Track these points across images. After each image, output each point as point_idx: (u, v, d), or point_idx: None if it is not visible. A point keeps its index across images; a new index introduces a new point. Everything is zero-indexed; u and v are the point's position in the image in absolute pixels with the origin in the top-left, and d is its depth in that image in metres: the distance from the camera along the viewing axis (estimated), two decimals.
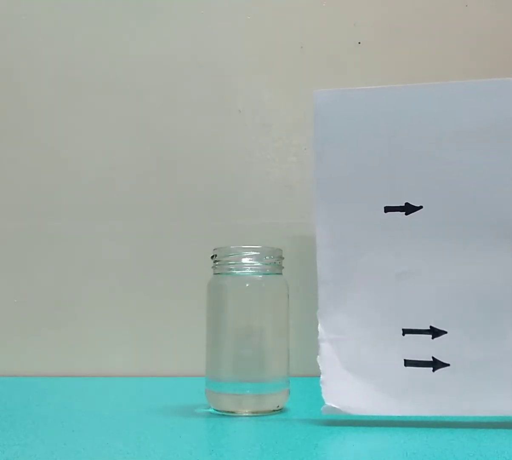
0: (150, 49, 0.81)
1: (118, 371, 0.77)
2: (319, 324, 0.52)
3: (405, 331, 0.51)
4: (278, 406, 0.56)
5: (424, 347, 0.50)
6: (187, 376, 0.74)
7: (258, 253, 0.57)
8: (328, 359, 0.51)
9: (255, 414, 0.54)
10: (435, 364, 0.50)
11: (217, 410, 0.56)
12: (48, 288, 0.79)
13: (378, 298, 0.51)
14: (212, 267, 0.58)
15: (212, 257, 0.58)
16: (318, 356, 0.52)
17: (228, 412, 0.55)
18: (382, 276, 0.52)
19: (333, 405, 0.50)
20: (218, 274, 0.58)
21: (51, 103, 0.81)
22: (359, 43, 0.79)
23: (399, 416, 0.51)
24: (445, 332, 0.50)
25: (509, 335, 0.49)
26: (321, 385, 0.50)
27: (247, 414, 0.54)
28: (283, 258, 0.59)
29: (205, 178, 0.80)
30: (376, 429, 0.50)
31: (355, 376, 0.50)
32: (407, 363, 0.50)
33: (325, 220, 0.53)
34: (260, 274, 0.57)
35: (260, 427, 0.51)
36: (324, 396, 0.50)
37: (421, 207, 0.52)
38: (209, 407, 0.56)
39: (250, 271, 0.56)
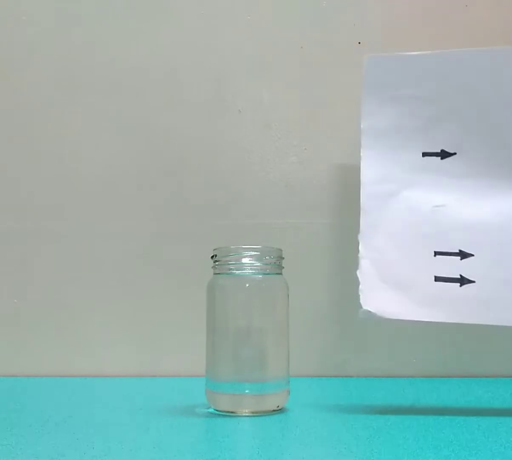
0: (150, 49, 0.81)
1: (118, 371, 0.77)
2: (360, 245, 0.59)
3: (437, 253, 0.57)
4: (278, 406, 0.56)
5: (453, 267, 0.56)
6: (187, 376, 0.74)
7: (258, 253, 0.57)
8: (367, 273, 0.57)
9: (255, 414, 0.55)
10: (462, 281, 0.56)
11: (217, 410, 0.56)
12: (48, 288, 0.79)
13: (413, 225, 0.59)
14: (212, 267, 0.58)
15: (212, 257, 0.58)
16: (357, 271, 0.58)
17: (228, 412, 0.55)
18: (418, 208, 0.59)
19: (369, 309, 0.56)
20: (218, 274, 0.58)
21: (51, 103, 0.81)
22: (359, 43, 0.79)
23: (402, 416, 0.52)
24: (472, 255, 0.56)
25: None
26: (359, 293, 0.56)
27: (247, 414, 0.55)
28: (283, 258, 0.59)
29: (205, 178, 0.80)
30: (376, 429, 0.50)
31: (390, 287, 0.57)
32: (437, 279, 0.56)
33: (370, 163, 0.60)
34: (260, 274, 0.57)
35: (260, 427, 0.51)
36: (361, 302, 0.56)
37: (455, 153, 0.59)
38: (209, 407, 0.56)
39: (250, 271, 0.56)
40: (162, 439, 0.48)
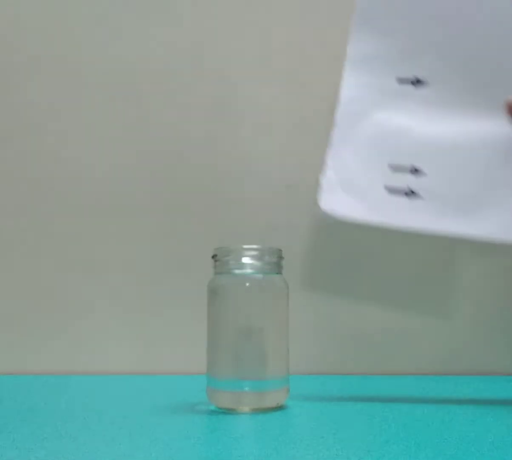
0: (150, 49, 0.81)
1: (118, 369, 0.78)
2: (328, 156, 0.64)
3: (393, 168, 0.63)
4: (278, 404, 0.57)
5: (405, 182, 0.62)
6: (188, 374, 0.74)
7: (258, 253, 0.57)
8: (330, 181, 0.63)
9: (255, 412, 0.55)
10: (411, 194, 0.62)
11: (217, 408, 0.56)
12: (48, 288, 0.79)
13: (377, 142, 0.64)
14: (212, 267, 0.59)
15: (212, 257, 0.59)
16: (322, 178, 0.63)
17: (228, 409, 0.56)
18: (385, 128, 0.64)
19: (326, 210, 0.62)
20: (218, 273, 0.58)
21: (51, 103, 0.81)
22: None
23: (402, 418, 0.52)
24: (425, 173, 0.62)
25: (486, 176, 0.62)
26: (320, 196, 0.63)
27: (247, 411, 0.55)
28: (283, 258, 0.59)
29: (205, 178, 0.80)
30: (376, 427, 0.50)
31: (347, 194, 0.63)
32: (390, 191, 0.62)
33: (350, 85, 0.65)
34: (260, 274, 0.57)
35: (260, 424, 0.51)
36: (321, 203, 0.63)
37: (428, 82, 0.64)
38: (210, 405, 0.57)
39: (250, 271, 0.57)
40: (163, 436, 0.48)
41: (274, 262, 0.58)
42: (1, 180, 0.81)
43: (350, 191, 0.63)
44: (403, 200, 0.62)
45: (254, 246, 0.58)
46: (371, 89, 0.66)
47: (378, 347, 0.78)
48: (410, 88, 0.65)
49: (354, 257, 0.79)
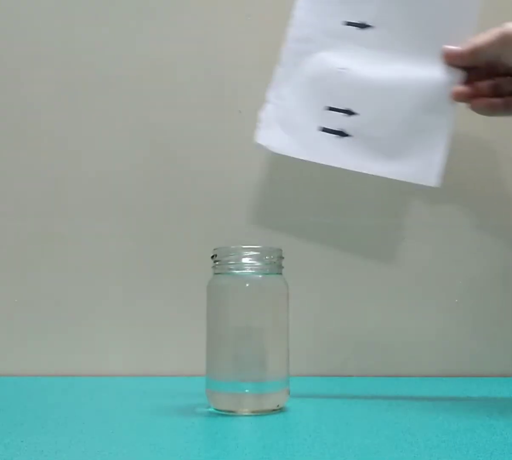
0: (151, 49, 0.81)
1: (118, 371, 0.77)
2: (269, 91, 0.68)
3: (329, 108, 0.66)
4: (278, 406, 0.56)
5: (338, 121, 0.65)
6: (187, 375, 0.74)
7: (258, 253, 0.57)
8: (268, 115, 0.67)
9: (255, 414, 0.55)
10: (342, 134, 0.65)
11: (217, 410, 0.56)
12: (48, 288, 0.79)
13: (317, 82, 0.67)
14: (212, 267, 0.58)
15: (212, 257, 0.58)
16: (262, 111, 0.67)
17: (228, 411, 0.55)
18: (326, 67, 0.67)
19: (262, 143, 0.67)
20: (218, 273, 0.58)
21: (52, 103, 0.81)
22: None
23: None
24: (357, 114, 0.65)
25: (409, 120, 0.65)
26: (257, 130, 0.67)
27: (247, 414, 0.55)
28: (283, 258, 0.59)
29: (205, 178, 0.80)
30: (376, 428, 0.50)
31: (283, 129, 0.67)
32: (323, 129, 0.66)
33: (298, 24, 0.69)
34: (260, 274, 0.57)
35: (260, 427, 0.51)
36: (257, 137, 0.67)
37: (373, 26, 0.67)
38: (209, 407, 0.57)
39: (250, 271, 0.57)
40: (162, 438, 0.48)
41: (274, 262, 0.58)
42: (1, 180, 0.81)
43: (286, 128, 0.67)
44: (334, 139, 0.65)
45: (254, 246, 0.58)
46: (318, 30, 0.68)
47: (378, 348, 0.78)
48: (355, 30, 0.67)
49: (354, 257, 0.79)
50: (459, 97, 0.63)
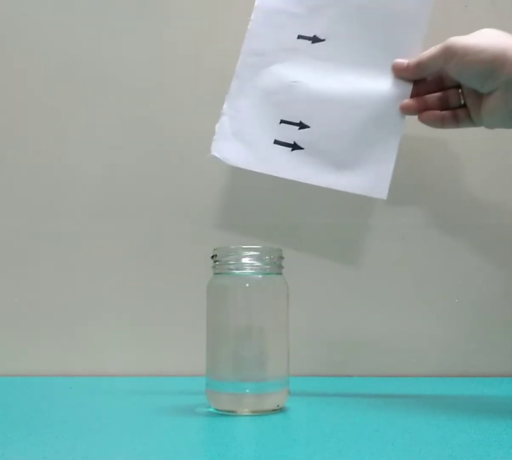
0: (151, 49, 0.81)
1: (118, 371, 0.77)
2: (225, 103, 0.69)
3: (282, 121, 0.67)
4: (278, 406, 0.56)
5: (291, 134, 0.66)
6: (187, 375, 0.74)
7: (258, 253, 0.57)
8: (223, 127, 0.68)
9: (255, 414, 0.55)
10: (294, 146, 0.66)
11: (217, 410, 0.56)
12: (48, 288, 0.79)
13: (271, 95, 0.68)
14: (212, 267, 0.58)
15: (212, 257, 0.58)
16: (217, 124, 0.68)
17: (228, 411, 0.55)
18: (280, 80, 0.68)
19: (216, 155, 0.67)
20: (218, 273, 0.58)
21: (51, 103, 0.81)
22: None
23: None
24: (309, 126, 0.66)
25: (358, 135, 0.66)
26: (213, 142, 0.67)
27: (247, 414, 0.55)
28: (283, 258, 0.59)
29: (205, 178, 0.80)
30: (376, 428, 0.50)
31: (238, 141, 0.67)
32: (276, 142, 0.67)
33: (253, 37, 0.69)
34: (260, 274, 0.57)
35: (260, 427, 0.51)
36: (212, 148, 0.67)
37: (324, 40, 0.68)
38: (209, 407, 0.57)
39: (250, 271, 0.57)
40: (162, 438, 0.48)
41: (274, 262, 0.58)
42: (1, 180, 0.81)
43: (241, 140, 0.67)
44: (288, 152, 0.66)
45: (254, 246, 0.58)
46: (272, 43, 0.69)
47: (379, 348, 0.78)
48: (307, 43, 0.68)
49: (354, 257, 0.79)
50: (408, 110, 0.65)
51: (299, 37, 0.68)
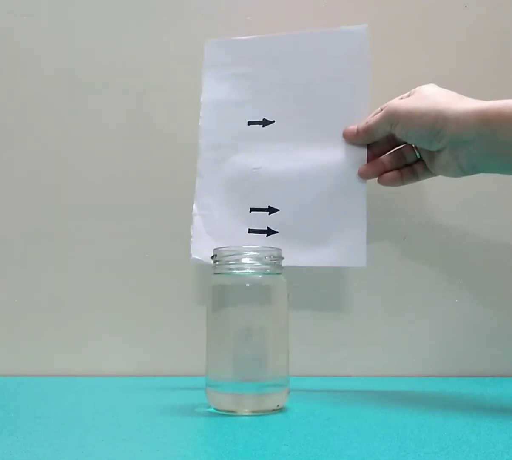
0: (151, 50, 0.81)
1: (118, 371, 0.77)
2: (194, 204, 0.70)
3: (252, 209, 0.69)
4: (278, 406, 0.56)
5: (263, 220, 0.68)
6: (187, 375, 0.74)
7: (258, 253, 0.57)
8: (197, 228, 0.70)
9: (255, 414, 0.55)
10: (268, 232, 0.68)
11: (217, 410, 0.56)
12: (48, 288, 0.79)
13: (236, 186, 0.70)
14: (212, 267, 0.58)
15: (212, 257, 0.58)
16: (191, 225, 0.70)
17: (228, 411, 0.55)
18: (241, 170, 0.70)
19: (198, 257, 0.68)
20: (218, 273, 0.58)
21: (52, 103, 0.81)
22: None
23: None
24: (278, 210, 0.68)
25: (326, 213, 0.67)
26: (190, 244, 0.69)
27: (247, 414, 0.55)
28: (283, 258, 0.59)
29: None
30: (376, 428, 0.50)
31: (214, 239, 0.68)
32: (250, 231, 0.68)
33: (206, 132, 0.71)
34: (260, 274, 0.57)
35: (260, 427, 0.51)
36: (191, 251, 0.69)
37: (274, 121, 0.69)
38: (209, 407, 0.57)
39: (250, 271, 0.57)
40: (162, 438, 0.48)
41: (274, 262, 0.58)
42: (1, 180, 0.81)
43: (216, 238, 0.68)
44: (263, 239, 0.68)
45: (254, 246, 0.58)
46: (225, 135, 0.70)
47: (379, 348, 0.78)
48: (259, 128, 0.70)
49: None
50: (365, 175, 0.67)
51: (250, 123, 0.70)
